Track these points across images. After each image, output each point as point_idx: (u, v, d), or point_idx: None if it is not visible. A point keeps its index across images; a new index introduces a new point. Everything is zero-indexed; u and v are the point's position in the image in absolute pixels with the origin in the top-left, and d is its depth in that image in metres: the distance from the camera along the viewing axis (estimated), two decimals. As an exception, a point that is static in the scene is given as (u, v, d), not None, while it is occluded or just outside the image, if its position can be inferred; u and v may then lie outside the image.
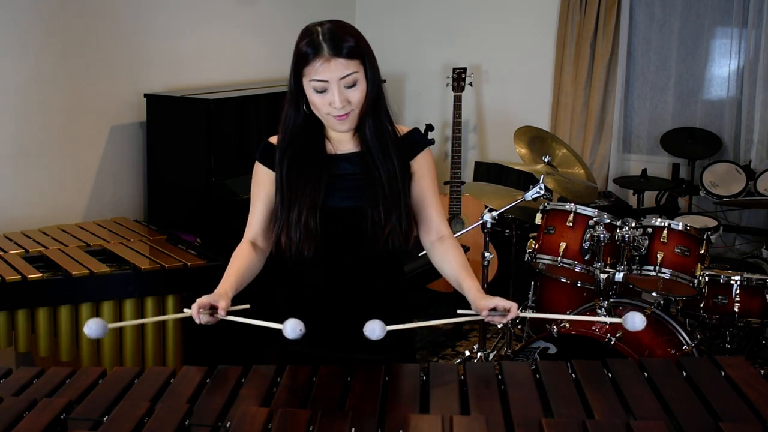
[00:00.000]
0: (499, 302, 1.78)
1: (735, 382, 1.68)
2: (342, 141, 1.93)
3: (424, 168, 1.96)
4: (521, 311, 1.83)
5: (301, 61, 1.81)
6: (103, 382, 1.68)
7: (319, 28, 1.82)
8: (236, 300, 1.85)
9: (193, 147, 3.83)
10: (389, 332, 1.96)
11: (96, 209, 3.84)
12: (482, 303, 1.79)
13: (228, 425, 1.47)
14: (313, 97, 1.82)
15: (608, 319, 1.71)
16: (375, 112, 1.88)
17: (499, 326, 1.86)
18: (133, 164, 4.03)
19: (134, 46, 3.94)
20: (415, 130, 1.99)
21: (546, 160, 3.55)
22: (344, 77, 1.78)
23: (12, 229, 3.35)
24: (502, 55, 5.19)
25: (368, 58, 1.83)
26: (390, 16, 5.47)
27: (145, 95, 3.93)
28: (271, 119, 4.27)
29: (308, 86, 1.82)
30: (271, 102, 4.22)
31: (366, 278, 1.94)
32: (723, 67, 4.69)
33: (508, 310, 1.78)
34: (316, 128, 1.91)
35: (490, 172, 4.93)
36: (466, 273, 1.90)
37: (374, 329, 1.66)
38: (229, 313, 1.78)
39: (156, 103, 3.93)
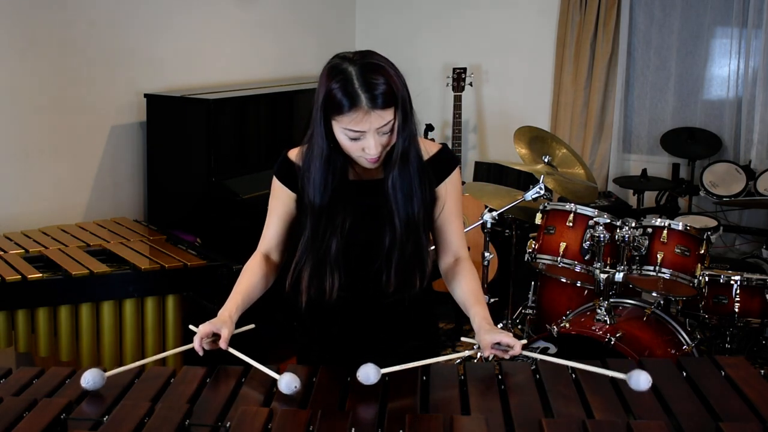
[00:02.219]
0: (504, 338, 1.71)
1: (735, 382, 1.68)
2: (367, 168, 1.82)
3: (451, 192, 1.88)
4: (524, 350, 1.75)
5: (333, 107, 1.68)
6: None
7: (352, 71, 1.67)
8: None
9: (193, 147, 3.83)
10: (414, 335, 1.94)
11: (96, 209, 3.84)
12: (486, 338, 1.73)
13: (228, 425, 1.47)
14: (345, 143, 1.72)
15: (612, 373, 1.63)
16: (410, 148, 1.77)
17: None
18: (133, 164, 4.03)
19: (134, 46, 3.94)
20: (444, 148, 1.90)
21: (546, 160, 3.55)
22: (380, 127, 1.68)
23: (12, 229, 3.35)
24: (502, 55, 5.19)
25: (403, 97, 1.71)
26: (390, 16, 5.47)
27: (145, 95, 3.93)
28: (271, 119, 4.27)
29: (340, 131, 1.71)
30: (271, 102, 4.22)
31: (379, 303, 1.87)
32: (723, 67, 4.69)
33: (512, 347, 1.71)
34: (339, 155, 1.79)
35: (490, 172, 4.93)
36: (475, 299, 1.84)
37: (368, 375, 1.60)
38: (234, 336, 1.75)
39: (156, 103, 3.93)
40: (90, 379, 1.62)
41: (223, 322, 1.74)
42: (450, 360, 1.76)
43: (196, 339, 1.72)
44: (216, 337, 1.73)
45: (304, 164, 1.81)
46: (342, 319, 1.91)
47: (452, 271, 1.92)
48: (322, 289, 1.81)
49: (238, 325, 1.81)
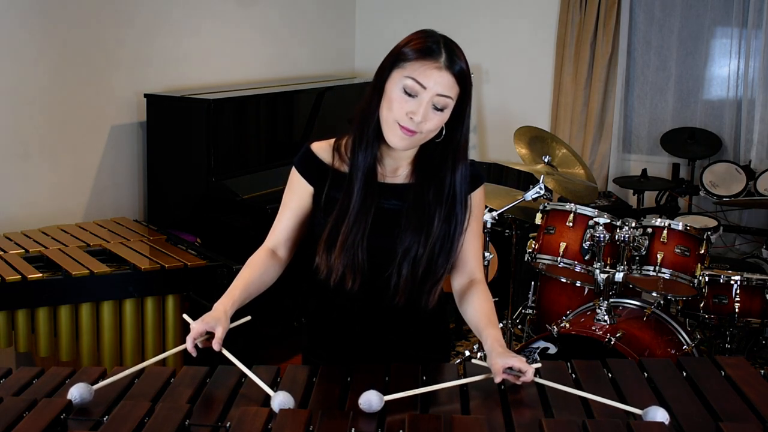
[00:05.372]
0: (516, 363, 1.63)
1: (735, 382, 1.68)
2: (395, 169, 1.79)
3: (473, 210, 1.80)
4: (536, 377, 1.67)
5: (407, 54, 1.65)
6: (103, 382, 1.68)
7: (439, 36, 1.68)
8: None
9: (193, 147, 3.83)
10: (426, 347, 1.90)
11: (96, 209, 3.84)
12: (498, 362, 1.64)
13: (228, 425, 1.47)
14: (395, 95, 1.65)
15: (627, 408, 1.58)
16: (465, 156, 1.74)
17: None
18: (133, 164, 4.03)
19: (134, 46, 3.95)
20: (472, 163, 1.82)
21: (546, 160, 3.55)
22: (441, 95, 1.64)
23: (12, 229, 3.35)
24: (502, 55, 5.19)
25: (469, 93, 1.70)
26: (390, 16, 5.47)
27: (145, 95, 3.94)
28: (271, 119, 4.28)
29: (398, 82, 1.65)
30: (271, 102, 4.22)
31: (390, 309, 1.81)
32: (723, 67, 4.69)
33: (524, 373, 1.64)
34: (372, 150, 1.75)
35: (490, 172, 4.93)
36: (488, 321, 1.76)
37: (371, 402, 1.53)
38: (228, 332, 1.69)
39: (156, 103, 3.93)
40: (77, 394, 1.56)
41: (217, 320, 1.67)
42: (462, 384, 1.69)
43: (189, 339, 1.65)
44: (210, 335, 1.67)
45: (358, 131, 1.74)
46: (351, 322, 1.86)
47: (465, 293, 1.83)
48: (344, 273, 1.74)
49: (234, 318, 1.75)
